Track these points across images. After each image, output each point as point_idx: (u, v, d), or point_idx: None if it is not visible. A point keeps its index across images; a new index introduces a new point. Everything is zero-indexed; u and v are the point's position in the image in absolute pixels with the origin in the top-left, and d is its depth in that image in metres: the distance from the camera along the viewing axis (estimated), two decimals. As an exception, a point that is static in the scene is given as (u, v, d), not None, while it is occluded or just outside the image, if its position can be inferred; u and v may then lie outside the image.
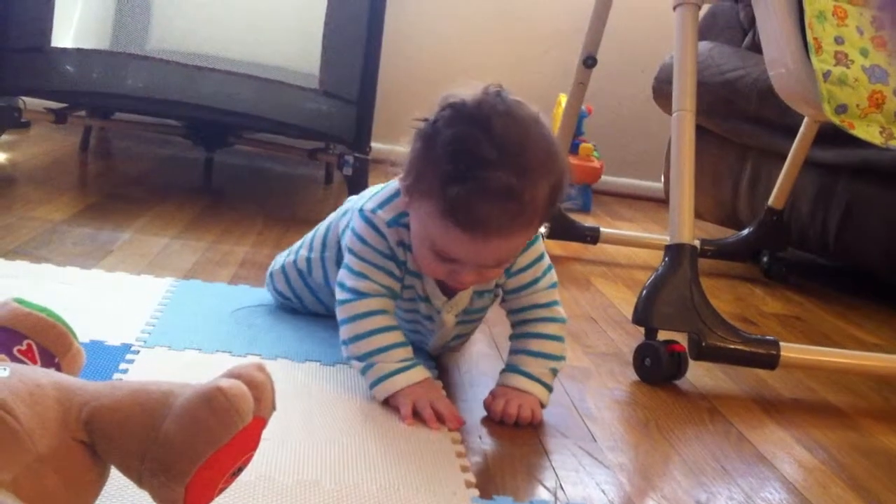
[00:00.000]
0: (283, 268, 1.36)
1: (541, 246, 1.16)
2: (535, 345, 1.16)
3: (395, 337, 1.11)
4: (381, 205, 1.12)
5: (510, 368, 1.16)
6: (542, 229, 1.17)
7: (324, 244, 1.28)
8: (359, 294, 1.11)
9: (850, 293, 2.23)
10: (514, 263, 1.14)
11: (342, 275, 1.14)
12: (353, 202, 1.24)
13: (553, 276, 1.19)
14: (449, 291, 1.15)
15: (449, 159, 0.98)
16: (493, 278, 1.14)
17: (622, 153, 3.32)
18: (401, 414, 1.05)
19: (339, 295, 1.13)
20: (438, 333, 1.21)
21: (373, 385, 1.09)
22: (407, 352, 1.11)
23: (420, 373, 1.10)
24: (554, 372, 1.16)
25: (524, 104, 1.03)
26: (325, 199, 2.43)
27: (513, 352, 1.18)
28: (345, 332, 1.12)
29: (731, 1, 2.63)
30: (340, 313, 1.12)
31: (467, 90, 1.02)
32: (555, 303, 1.18)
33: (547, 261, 1.18)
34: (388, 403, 1.08)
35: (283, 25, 2.57)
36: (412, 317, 1.21)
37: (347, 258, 1.14)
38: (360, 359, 1.10)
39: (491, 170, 0.96)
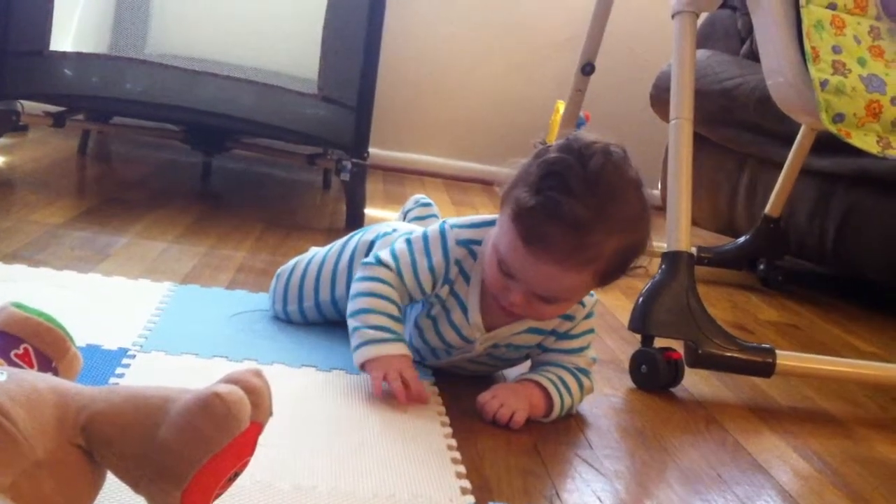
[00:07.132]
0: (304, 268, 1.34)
1: (594, 321, 1.20)
2: (563, 373, 1.17)
3: (389, 309, 1.13)
4: (465, 226, 1.17)
5: (532, 369, 1.20)
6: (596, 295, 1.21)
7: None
8: (382, 264, 1.15)
9: (847, 302, 2.24)
10: (570, 329, 1.18)
11: (385, 252, 1.18)
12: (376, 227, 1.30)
13: (593, 351, 1.22)
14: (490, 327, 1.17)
15: (539, 175, 1.03)
16: (541, 317, 1.14)
17: (620, 160, 3.31)
18: (371, 383, 1.10)
19: (368, 260, 1.18)
20: (455, 357, 1.21)
21: (355, 349, 1.12)
22: (395, 325, 1.13)
23: (399, 348, 1.12)
24: (570, 392, 1.15)
25: (634, 170, 1.07)
26: (323, 205, 2.43)
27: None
28: (354, 287, 1.17)
29: (730, 9, 2.64)
30: (359, 271, 1.18)
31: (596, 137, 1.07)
32: (588, 372, 1.20)
33: (592, 337, 1.21)
34: (364, 369, 1.11)
35: (282, 30, 2.57)
36: (429, 337, 1.21)
37: (399, 244, 1.18)
38: (352, 315, 1.14)
39: (569, 198, 1.00)
